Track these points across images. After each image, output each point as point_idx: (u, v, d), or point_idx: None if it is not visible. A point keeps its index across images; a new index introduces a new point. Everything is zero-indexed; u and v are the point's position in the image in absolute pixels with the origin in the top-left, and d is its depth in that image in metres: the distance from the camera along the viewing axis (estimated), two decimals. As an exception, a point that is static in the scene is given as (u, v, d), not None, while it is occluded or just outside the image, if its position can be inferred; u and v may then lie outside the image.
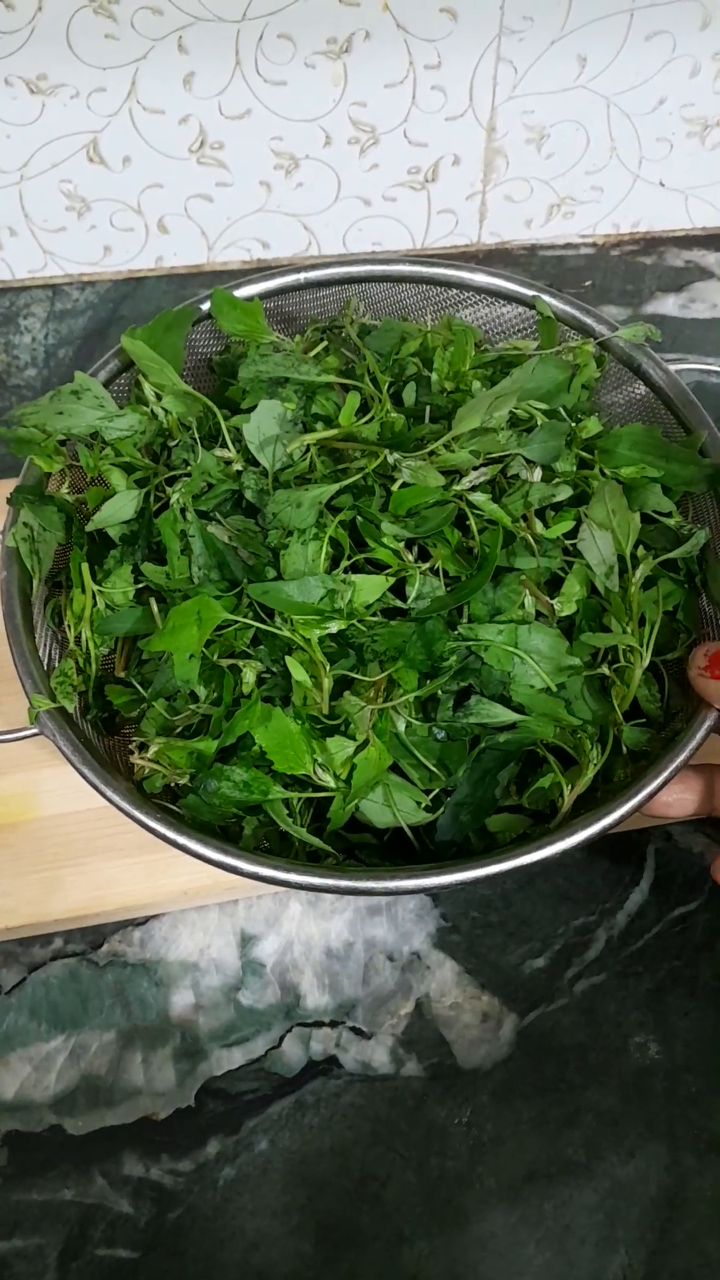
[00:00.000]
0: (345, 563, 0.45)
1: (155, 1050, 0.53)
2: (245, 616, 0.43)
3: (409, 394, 0.51)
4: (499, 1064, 0.52)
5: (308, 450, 0.47)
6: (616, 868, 0.57)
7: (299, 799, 0.43)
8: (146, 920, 0.55)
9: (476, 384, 0.50)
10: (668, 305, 0.78)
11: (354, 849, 0.46)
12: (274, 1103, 0.52)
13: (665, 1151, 0.50)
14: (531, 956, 0.55)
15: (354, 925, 0.55)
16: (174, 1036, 0.53)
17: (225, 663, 0.43)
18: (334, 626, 0.43)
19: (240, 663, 0.43)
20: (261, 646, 0.43)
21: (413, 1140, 0.51)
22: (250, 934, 0.55)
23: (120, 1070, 0.52)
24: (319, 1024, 0.53)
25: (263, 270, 0.56)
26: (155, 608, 0.45)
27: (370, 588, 0.43)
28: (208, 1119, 0.51)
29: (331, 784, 0.42)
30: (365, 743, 0.42)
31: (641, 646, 0.45)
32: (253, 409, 0.47)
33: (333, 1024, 0.53)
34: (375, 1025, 0.53)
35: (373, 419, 0.47)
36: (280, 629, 0.42)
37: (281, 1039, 0.53)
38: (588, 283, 0.79)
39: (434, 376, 0.51)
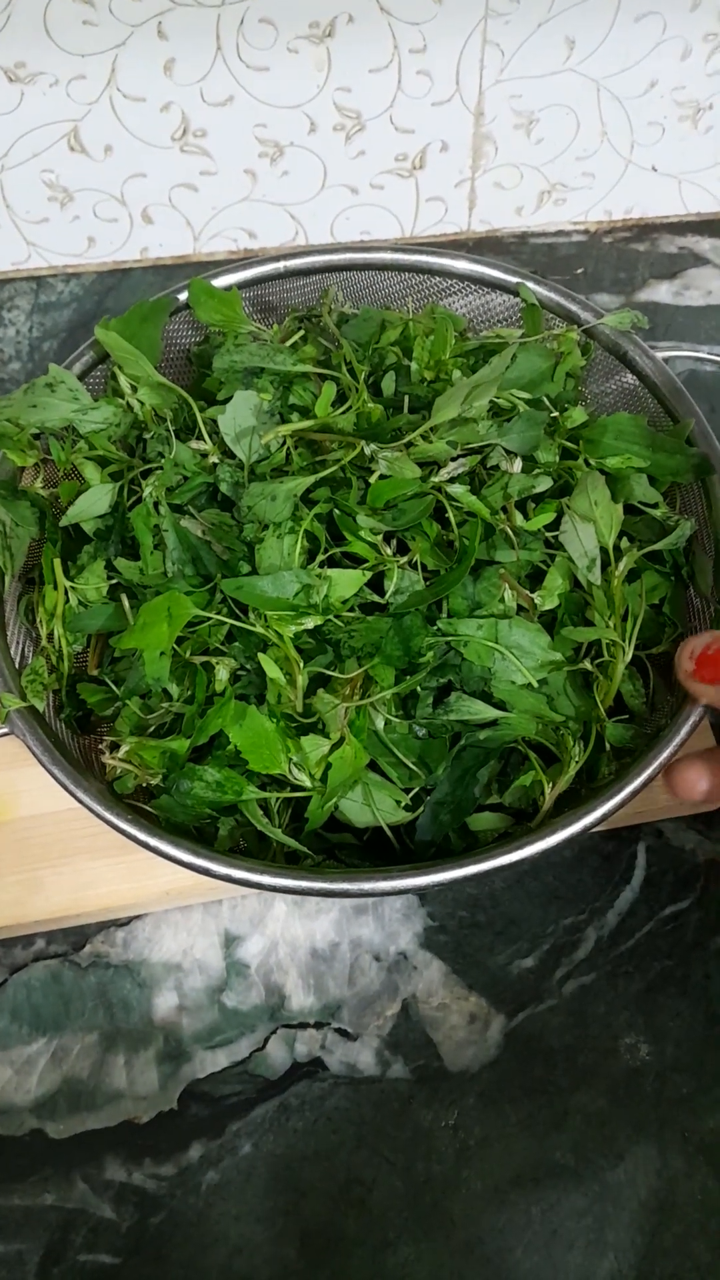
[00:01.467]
0: (321, 556, 0.44)
1: (138, 1053, 0.52)
2: (219, 613, 0.42)
3: (388, 384, 0.50)
4: (486, 1066, 0.51)
5: (284, 442, 0.46)
6: (607, 865, 0.56)
7: (276, 799, 0.43)
8: (129, 921, 0.55)
9: (457, 373, 0.49)
10: (661, 293, 0.77)
11: (333, 849, 0.45)
12: (258, 1105, 0.51)
13: (655, 1154, 0.50)
14: (520, 956, 0.54)
15: (340, 925, 0.54)
16: (157, 1039, 0.52)
17: (198, 660, 0.42)
18: (309, 623, 0.42)
19: (213, 660, 0.42)
20: (236, 643, 0.43)
21: (399, 1144, 0.50)
22: (234, 934, 0.54)
23: (102, 1073, 0.52)
24: (304, 1025, 0.52)
25: (249, 261, 0.55)
26: (126, 604, 0.44)
27: (346, 582, 0.42)
28: (191, 1122, 0.50)
29: (308, 783, 0.41)
30: (340, 741, 0.41)
31: (625, 641, 0.43)
32: (228, 400, 0.46)
33: (318, 1025, 0.52)
34: (361, 1027, 0.52)
35: (350, 409, 0.46)
36: (254, 625, 0.41)
37: (266, 1041, 0.52)
38: (579, 270, 0.78)
39: (414, 366, 0.50)
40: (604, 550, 0.45)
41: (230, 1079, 0.51)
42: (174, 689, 0.42)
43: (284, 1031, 0.52)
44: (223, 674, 0.41)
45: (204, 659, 0.42)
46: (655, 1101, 0.51)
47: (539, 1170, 0.49)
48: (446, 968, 0.54)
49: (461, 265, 0.55)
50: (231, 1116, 0.50)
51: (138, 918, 0.55)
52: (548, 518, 0.45)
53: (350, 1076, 0.51)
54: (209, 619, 0.42)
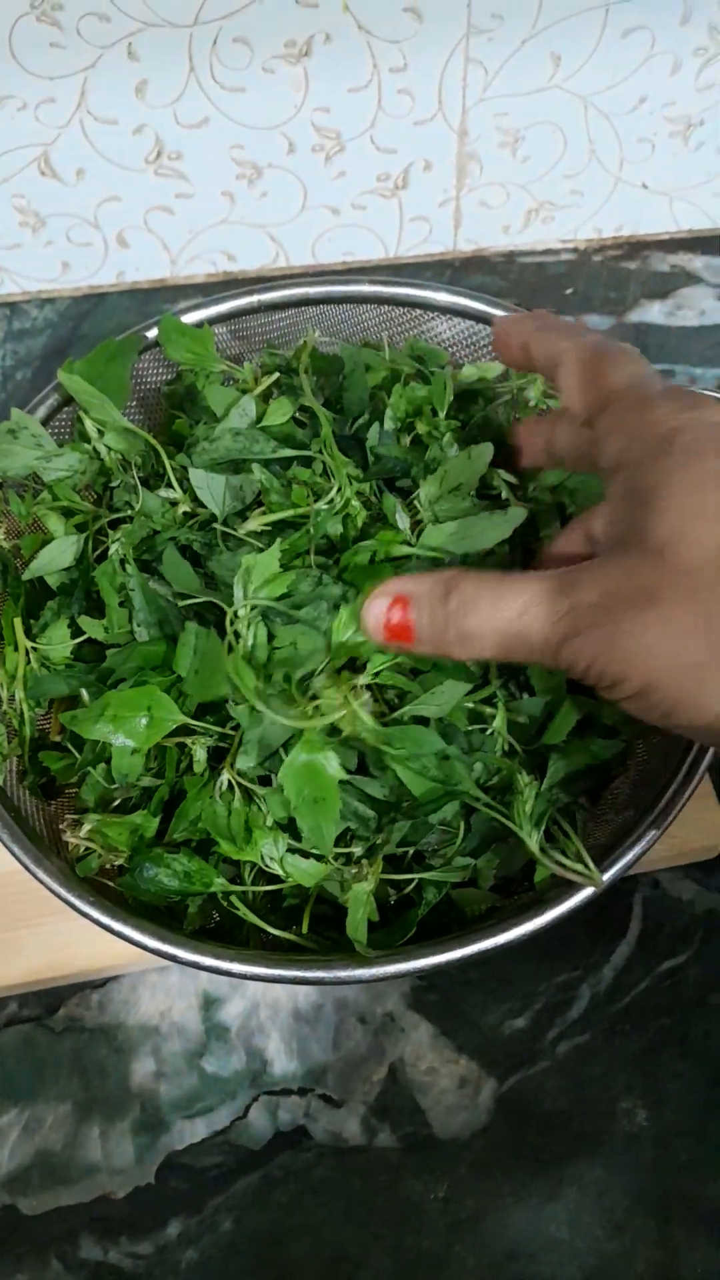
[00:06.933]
0: None
1: (114, 1122, 0.50)
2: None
3: (373, 437, 0.46)
4: (478, 1133, 0.49)
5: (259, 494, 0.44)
6: (601, 918, 0.54)
7: (247, 888, 0.40)
8: (105, 982, 0.53)
9: (448, 436, 0.45)
10: (653, 313, 0.75)
11: (312, 919, 0.43)
12: (239, 1178, 0.49)
13: (654, 1225, 0.48)
14: (511, 1016, 0.52)
15: (323, 986, 0.52)
16: (134, 1107, 0.50)
17: (171, 742, 0.39)
18: None
19: (189, 741, 0.39)
20: (209, 717, 0.40)
21: (388, 1218, 0.48)
22: (214, 996, 0.52)
23: (77, 1145, 0.49)
24: (287, 1092, 0.50)
25: (229, 283, 0.53)
26: (85, 695, 0.41)
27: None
28: (169, 1197, 0.48)
29: (280, 872, 0.39)
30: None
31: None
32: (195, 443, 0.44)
33: (301, 1092, 0.50)
34: (346, 1093, 0.50)
35: (335, 512, 0.42)
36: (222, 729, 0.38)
37: (247, 1109, 0.50)
38: (569, 290, 0.76)
39: (388, 425, 0.46)
40: None
41: (210, 1150, 0.49)
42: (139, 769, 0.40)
43: (266, 1098, 0.50)
44: (200, 754, 0.39)
45: (178, 740, 0.40)
46: (655, 1169, 0.49)
47: (534, 1244, 0.47)
48: (435, 1029, 0.51)
49: (443, 298, 0.52)
50: (212, 1190, 0.48)
51: (113, 979, 0.53)
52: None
53: (336, 1146, 0.49)
54: (188, 724, 0.38)
